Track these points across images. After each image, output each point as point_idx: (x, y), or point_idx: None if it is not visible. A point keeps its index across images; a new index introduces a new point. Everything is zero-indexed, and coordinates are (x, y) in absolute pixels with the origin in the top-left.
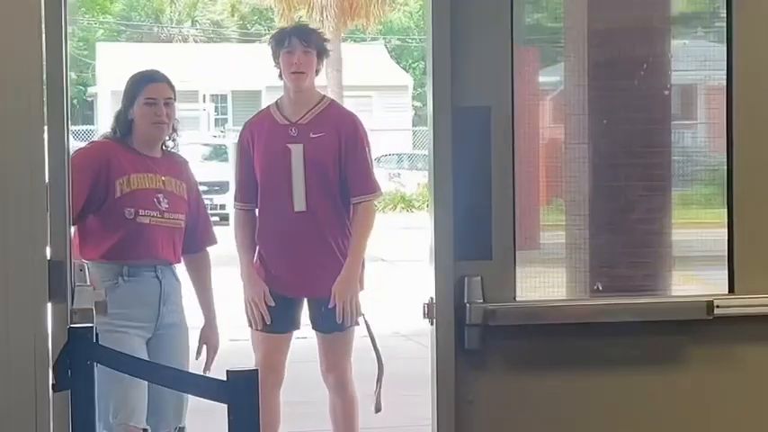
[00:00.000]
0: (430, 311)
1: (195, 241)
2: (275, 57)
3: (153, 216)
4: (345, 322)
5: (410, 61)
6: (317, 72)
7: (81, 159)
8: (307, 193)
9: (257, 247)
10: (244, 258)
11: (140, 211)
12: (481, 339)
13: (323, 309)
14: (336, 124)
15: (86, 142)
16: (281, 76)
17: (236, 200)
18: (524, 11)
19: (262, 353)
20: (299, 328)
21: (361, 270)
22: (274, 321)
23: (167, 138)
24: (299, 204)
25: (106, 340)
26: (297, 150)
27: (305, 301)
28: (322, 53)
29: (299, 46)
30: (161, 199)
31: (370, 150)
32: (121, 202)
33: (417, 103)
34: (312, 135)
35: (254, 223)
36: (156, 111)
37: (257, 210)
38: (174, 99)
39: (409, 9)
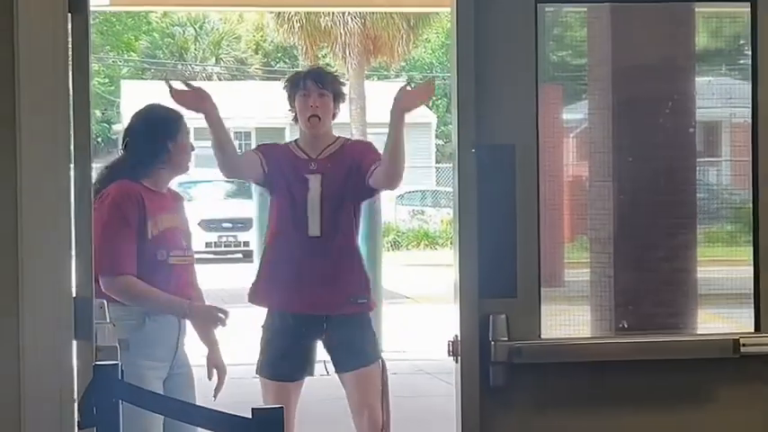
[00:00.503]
0: (455, 349)
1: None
2: (291, 100)
3: (179, 256)
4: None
5: (433, 98)
6: (334, 116)
7: (122, 205)
8: (322, 219)
9: (260, 272)
10: None
11: (171, 252)
12: (506, 377)
13: (341, 347)
14: (350, 154)
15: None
16: (296, 119)
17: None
18: (549, 48)
19: (270, 403)
20: (312, 374)
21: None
22: (284, 366)
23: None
24: (314, 230)
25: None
26: (314, 180)
27: (318, 344)
28: (338, 96)
29: (315, 88)
30: (181, 238)
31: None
32: (154, 243)
33: (440, 141)
34: (329, 166)
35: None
36: (191, 145)
37: (271, 237)
38: None
39: (432, 46)
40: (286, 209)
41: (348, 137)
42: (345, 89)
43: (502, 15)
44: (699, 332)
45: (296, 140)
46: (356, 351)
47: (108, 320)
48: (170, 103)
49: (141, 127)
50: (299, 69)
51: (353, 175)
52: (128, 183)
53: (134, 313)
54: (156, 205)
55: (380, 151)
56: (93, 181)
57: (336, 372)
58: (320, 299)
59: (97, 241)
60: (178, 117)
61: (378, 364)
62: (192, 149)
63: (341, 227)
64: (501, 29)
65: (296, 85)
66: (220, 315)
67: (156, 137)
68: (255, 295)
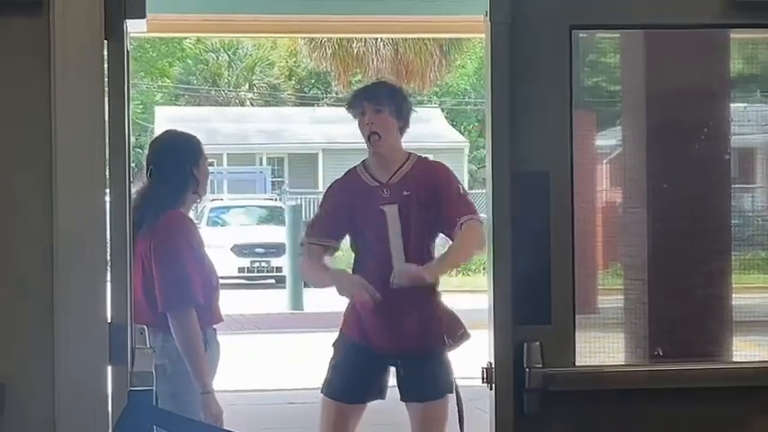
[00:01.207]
0: (489, 376)
1: None
2: (355, 117)
3: (219, 279)
4: (400, 280)
5: (466, 124)
6: (402, 130)
7: (184, 230)
8: (405, 253)
9: (349, 307)
10: (322, 275)
11: (214, 276)
12: (540, 404)
13: (410, 376)
14: (428, 177)
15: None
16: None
17: (307, 235)
18: (582, 74)
19: (326, 423)
20: (382, 397)
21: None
22: (348, 389)
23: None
24: (398, 265)
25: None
26: (392, 211)
27: (390, 369)
28: (400, 108)
29: (369, 105)
30: (210, 261)
31: (463, 188)
32: (209, 270)
33: (473, 166)
34: (404, 193)
35: (322, 256)
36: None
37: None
38: None
39: (466, 72)
40: (367, 242)
41: (421, 155)
42: (408, 101)
43: (535, 41)
44: (734, 360)
45: (363, 162)
46: (426, 383)
47: (148, 346)
48: (209, 129)
49: (167, 155)
50: (361, 86)
51: (432, 207)
52: (178, 213)
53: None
54: (197, 231)
55: (457, 179)
56: None
57: (401, 399)
58: (401, 336)
59: (161, 276)
60: (198, 142)
61: (446, 399)
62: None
63: (424, 259)
64: (535, 55)
65: (351, 104)
66: (216, 414)
67: (183, 164)
68: (344, 324)
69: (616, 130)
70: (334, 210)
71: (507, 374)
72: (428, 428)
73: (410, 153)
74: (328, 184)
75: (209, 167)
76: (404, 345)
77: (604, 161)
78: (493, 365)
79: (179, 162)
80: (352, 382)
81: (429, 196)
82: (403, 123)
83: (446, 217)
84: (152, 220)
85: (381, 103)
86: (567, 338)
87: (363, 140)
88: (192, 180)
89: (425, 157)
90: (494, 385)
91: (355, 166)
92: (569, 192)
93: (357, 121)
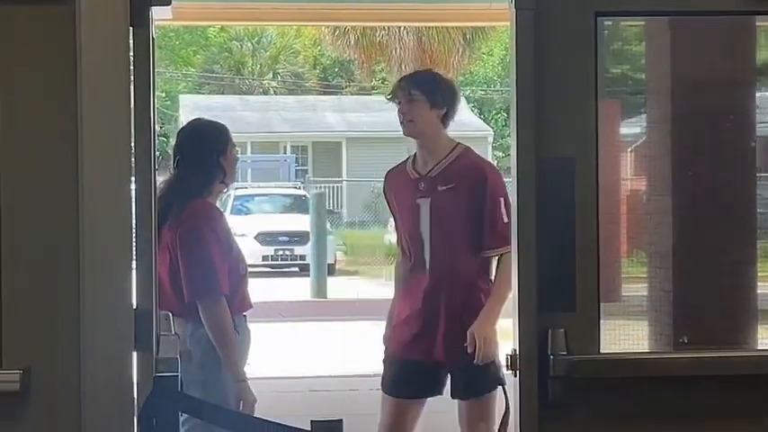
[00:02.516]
0: (513, 363)
1: None
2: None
3: (247, 267)
4: (477, 359)
5: (493, 112)
6: (443, 118)
7: (210, 220)
8: (432, 250)
9: (395, 303)
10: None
11: (243, 265)
12: (565, 391)
13: (459, 374)
14: (466, 175)
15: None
16: None
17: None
18: (607, 63)
19: (390, 420)
20: (440, 393)
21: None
22: (402, 385)
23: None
24: (428, 262)
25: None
26: (425, 205)
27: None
28: (434, 95)
29: (403, 95)
30: (239, 249)
31: (507, 200)
32: (237, 259)
33: (498, 153)
34: (440, 188)
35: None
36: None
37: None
38: None
39: (492, 60)
40: (405, 239)
41: (469, 147)
42: (448, 89)
43: (561, 28)
44: (759, 348)
45: (415, 153)
46: (472, 380)
47: (173, 332)
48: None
49: (192, 144)
50: (397, 80)
51: (466, 209)
52: (205, 202)
53: None
54: (224, 221)
55: (503, 188)
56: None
57: (452, 396)
58: (435, 346)
59: (187, 266)
60: (225, 131)
61: (494, 396)
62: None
63: (455, 256)
64: (560, 41)
65: (392, 95)
66: (251, 402)
67: (210, 154)
68: (386, 339)
69: (641, 119)
70: (388, 203)
71: (532, 362)
72: (474, 425)
73: (457, 144)
74: (354, 172)
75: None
76: (440, 358)
77: (629, 149)
78: (518, 353)
79: (205, 152)
80: (403, 381)
81: (464, 196)
82: (443, 111)
83: (480, 230)
84: (178, 210)
85: (414, 92)
86: (591, 326)
87: (386, 129)
88: (219, 170)
89: (472, 152)
90: (518, 372)
91: (408, 157)
92: (594, 179)
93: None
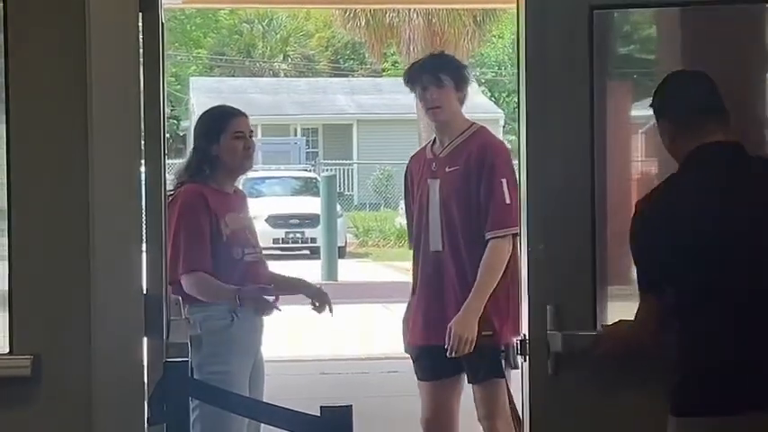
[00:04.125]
0: (522, 348)
1: None
2: (413, 91)
3: (253, 253)
4: (450, 353)
5: (504, 94)
6: (461, 100)
7: (191, 207)
8: (443, 232)
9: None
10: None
11: (245, 249)
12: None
13: (467, 357)
14: (471, 155)
15: (172, 187)
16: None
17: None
18: (617, 45)
19: (424, 403)
20: (458, 373)
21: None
22: (426, 369)
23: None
24: (435, 244)
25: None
26: (434, 186)
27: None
28: (460, 81)
29: (432, 81)
30: (249, 236)
31: (511, 180)
32: (229, 243)
33: (510, 137)
34: (448, 169)
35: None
36: (245, 144)
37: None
38: None
39: (503, 42)
40: (415, 214)
41: (483, 127)
42: (467, 72)
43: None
44: None
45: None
46: (481, 365)
47: (183, 317)
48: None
49: (198, 129)
50: (417, 60)
51: (473, 190)
52: (193, 186)
53: (220, 312)
54: (223, 206)
55: (511, 170)
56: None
57: (467, 381)
58: (442, 330)
59: (171, 245)
60: (220, 118)
61: (502, 382)
62: (246, 149)
63: (458, 239)
64: (559, 33)
65: (414, 80)
66: (267, 299)
67: (206, 139)
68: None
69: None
70: (408, 205)
71: (541, 345)
72: (485, 401)
73: (472, 124)
74: (364, 155)
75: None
76: (440, 340)
77: (640, 131)
78: (527, 338)
79: (203, 137)
80: (428, 366)
81: (468, 176)
82: (464, 93)
83: (482, 212)
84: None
85: (443, 80)
86: (586, 304)
87: (396, 111)
88: (212, 155)
89: (485, 132)
90: (528, 356)
91: (432, 138)
92: (603, 162)
93: (417, 95)
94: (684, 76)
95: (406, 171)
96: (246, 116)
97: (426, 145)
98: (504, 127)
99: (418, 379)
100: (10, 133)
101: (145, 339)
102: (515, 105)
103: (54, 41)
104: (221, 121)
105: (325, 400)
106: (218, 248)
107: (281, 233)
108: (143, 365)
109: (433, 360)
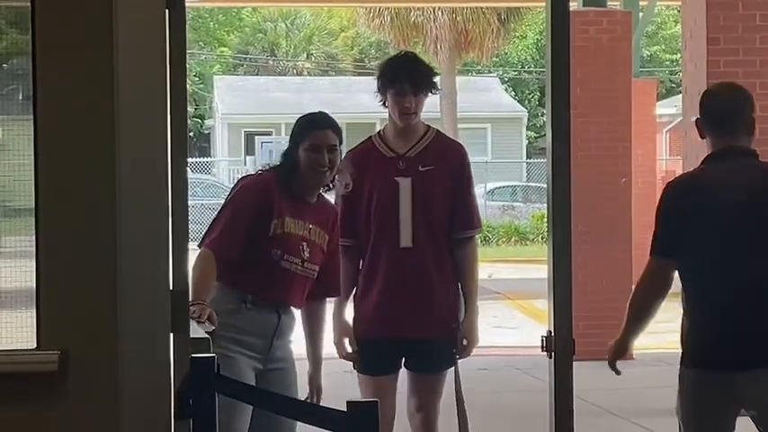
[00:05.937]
0: (548, 345)
1: (320, 290)
2: (382, 92)
3: (295, 263)
4: (462, 356)
5: (526, 93)
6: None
7: (248, 193)
8: (414, 230)
9: (359, 286)
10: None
11: (285, 255)
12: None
13: (423, 349)
14: (445, 156)
15: (258, 170)
16: (385, 104)
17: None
18: (642, 44)
19: (368, 397)
20: (397, 371)
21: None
22: (379, 362)
23: (329, 184)
24: (406, 240)
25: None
26: (405, 184)
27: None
28: (433, 87)
29: (411, 90)
30: (305, 247)
31: (473, 182)
32: (271, 242)
33: (531, 133)
34: (421, 168)
35: (352, 259)
36: (318, 158)
37: (368, 246)
38: (340, 143)
39: (527, 42)
40: (378, 216)
41: (438, 130)
42: (441, 79)
43: None
44: None
45: (380, 132)
46: (438, 356)
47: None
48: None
49: (292, 131)
50: (391, 56)
51: (444, 190)
52: (265, 175)
53: (232, 298)
54: (289, 209)
55: (470, 170)
56: None
57: (406, 367)
58: (409, 322)
59: (216, 216)
60: (304, 127)
61: (444, 374)
62: (320, 165)
63: (434, 237)
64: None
65: (391, 82)
66: (194, 314)
67: (292, 143)
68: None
69: (676, 99)
70: (349, 201)
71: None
72: (426, 392)
73: (429, 126)
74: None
75: (269, 138)
76: (409, 335)
77: (665, 129)
78: (552, 335)
79: (289, 140)
80: (374, 360)
81: (444, 177)
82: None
83: (454, 213)
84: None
85: (422, 90)
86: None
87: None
88: (290, 159)
89: (443, 134)
90: (553, 354)
91: (370, 137)
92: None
93: (389, 97)
94: (724, 87)
95: (344, 168)
96: (330, 128)
97: (371, 144)
98: (527, 124)
99: (363, 374)
100: (38, 132)
101: (171, 335)
102: (537, 103)
103: (80, 39)
104: (302, 131)
105: (350, 397)
106: (259, 243)
107: None
108: (169, 361)
109: (381, 355)
